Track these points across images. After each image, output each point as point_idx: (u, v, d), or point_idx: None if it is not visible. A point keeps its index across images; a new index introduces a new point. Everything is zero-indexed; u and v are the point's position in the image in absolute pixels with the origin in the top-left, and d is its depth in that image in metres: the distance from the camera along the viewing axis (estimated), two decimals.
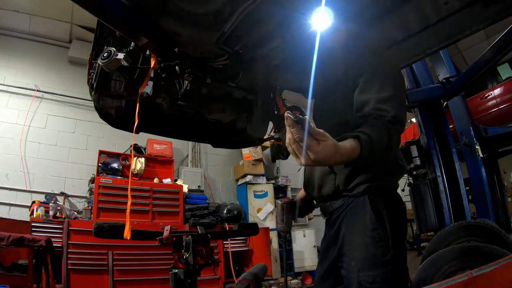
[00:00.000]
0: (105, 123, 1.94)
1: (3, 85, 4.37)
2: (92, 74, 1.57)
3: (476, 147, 2.83)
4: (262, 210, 5.37)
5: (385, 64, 1.11)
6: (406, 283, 1.01)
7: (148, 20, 1.24)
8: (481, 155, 2.81)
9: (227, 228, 4.24)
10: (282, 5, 1.21)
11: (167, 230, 1.38)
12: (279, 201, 1.41)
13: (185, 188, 4.59)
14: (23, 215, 3.84)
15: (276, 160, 6.43)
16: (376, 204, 1.01)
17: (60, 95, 4.71)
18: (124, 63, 1.36)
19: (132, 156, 4.74)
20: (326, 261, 1.18)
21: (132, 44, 1.41)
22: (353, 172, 1.05)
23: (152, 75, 1.54)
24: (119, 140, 4.95)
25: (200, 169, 5.53)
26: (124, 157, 4.57)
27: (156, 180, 4.50)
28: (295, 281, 5.00)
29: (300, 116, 0.71)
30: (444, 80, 2.92)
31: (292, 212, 1.36)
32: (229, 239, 4.28)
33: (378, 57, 1.14)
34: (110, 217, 3.65)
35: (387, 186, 1.06)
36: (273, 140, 2.19)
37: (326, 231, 1.22)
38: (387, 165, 1.04)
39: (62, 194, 4.32)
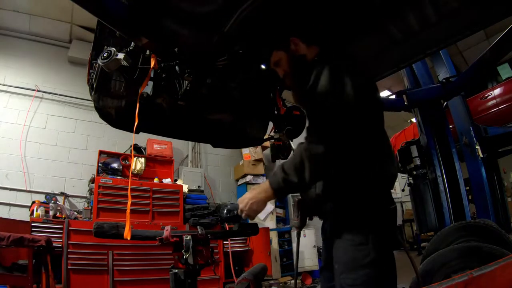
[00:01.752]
0: (105, 123, 1.94)
1: (3, 85, 4.37)
2: (92, 74, 1.57)
3: (476, 147, 2.82)
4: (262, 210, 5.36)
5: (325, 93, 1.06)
6: (390, 285, 1.04)
7: (148, 20, 1.24)
8: (481, 155, 2.80)
9: (227, 228, 4.23)
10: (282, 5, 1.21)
11: (167, 230, 1.38)
12: (295, 198, 1.43)
13: (185, 188, 4.59)
14: (23, 215, 3.84)
15: (276, 160, 6.41)
16: (356, 210, 1.05)
17: (60, 95, 4.71)
18: (124, 63, 1.36)
19: (132, 156, 4.73)
20: (325, 252, 1.27)
21: (132, 44, 1.41)
22: (330, 182, 1.12)
23: (152, 75, 1.54)
24: (119, 140, 4.94)
25: (200, 169, 5.53)
26: (124, 157, 4.57)
27: (156, 180, 4.50)
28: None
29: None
30: (444, 80, 2.92)
31: (306, 209, 1.37)
32: (229, 239, 4.28)
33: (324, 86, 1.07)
34: (110, 217, 3.64)
35: (369, 192, 1.08)
36: (273, 140, 2.20)
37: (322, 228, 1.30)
38: (359, 173, 1.08)
39: (62, 194, 4.32)
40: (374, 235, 1.01)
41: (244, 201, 1.13)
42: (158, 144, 4.94)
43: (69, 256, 3.27)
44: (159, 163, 4.92)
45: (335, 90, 1.00)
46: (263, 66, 1.48)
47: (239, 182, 5.77)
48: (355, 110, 1.00)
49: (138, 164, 4.49)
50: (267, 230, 4.85)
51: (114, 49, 1.36)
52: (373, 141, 1.10)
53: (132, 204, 1.49)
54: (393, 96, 3.19)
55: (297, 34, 1.21)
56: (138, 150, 4.77)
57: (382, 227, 1.04)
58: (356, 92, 0.99)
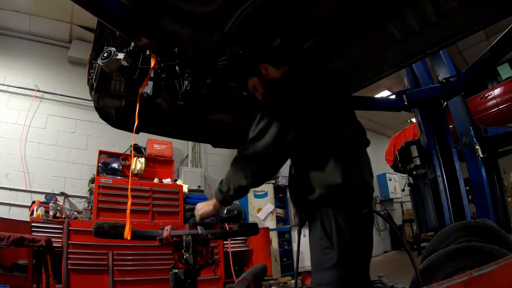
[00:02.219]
0: (105, 123, 1.95)
1: (3, 85, 4.37)
2: (92, 74, 1.57)
3: (476, 147, 2.82)
4: (262, 210, 5.37)
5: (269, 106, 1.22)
6: (355, 286, 1.10)
7: (148, 20, 1.24)
8: (481, 155, 2.80)
9: (227, 228, 4.23)
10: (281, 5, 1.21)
11: (167, 230, 1.38)
12: None
13: (185, 188, 4.59)
14: (23, 215, 3.84)
15: None
16: (325, 216, 1.13)
17: (60, 95, 4.71)
18: (124, 63, 1.36)
19: (132, 156, 4.74)
20: None
21: (132, 44, 1.41)
22: (302, 190, 1.22)
23: (152, 75, 1.54)
24: (119, 140, 4.94)
25: (200, 169, 5.53)
26: (124, 157, 4.57)
27: (156, 180, 4.50)
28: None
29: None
30: (444, 80, 2.92)
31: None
32: (229, 239, 4.28)
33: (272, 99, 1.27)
34: (110, 217, 3.65)
35: (339, 200, 1.14)
36: None
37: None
38: (324, 182, 1.15)
39: (62, 194, 4.32)
40: (339, 239, 1.09)
41: (197, 209, 1.39)
42: (158, 144, 4.94)
43: (69, 256, 3.27)
44: (159, 163, 4.92)
45: (255, 141, 1.15)
46: (244, 93, 1.53)
47: None
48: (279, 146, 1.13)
49: (138, 164, 4.50)
50: (267, 230, 4.85)
51: (114, 49, 1.36)
52: (320, 157, 1.16)
53: (132, 204, 1.49)
54: (393, 96, 3.18)
55: (266, 60, 1.32)
56: (138, 150, 4.77)
57: (349, 231, 1.10)
58: (279, 138, 1.12)
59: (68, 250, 3.28)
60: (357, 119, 1.37)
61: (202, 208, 1.36)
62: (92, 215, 3.77)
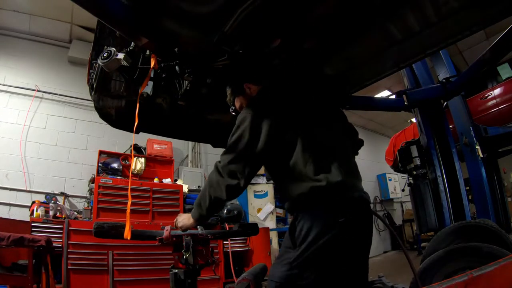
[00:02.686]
0: (105, 123, 1.95)
1: (3, 85, 4.37)
2: (92, 74, 1.57)
3: (476, 147, 2.82)
4: (262, 210, 5.37)
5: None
6: (304, 286, 1.14)
7: (148, 20, 1.24)
8: (481, 155, 2.80)
9: (227, 228, 4.23)
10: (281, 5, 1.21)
11: (167, 230, 1.38)
12: None
13: (185, 188, 4.58)
14: (23, 215, 3.84)
15: None
16: (296, 219, 1.22)
17: (60, 95, 4.71)
18: (124, 63, 1.37)
19: (132, 156, 4.73)
20: None
21: (132, 44, 1.41)
22: (282, 195, 1.37)
23: (152, 75, 1.54)
24: (119, 140, 4.94)
25: (200, 169, 5.53)
26: (124, 157, 4.57)
27: (156, 180, 4.50)
28: None
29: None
30: (444, 80, 2.92)
31: None
32: (229, 239, 4.27)
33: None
34: (110, 217, 3.64)
35: (308, 207, 1.18)
36: None
37: None
38: (292, 191, 1.22)
39: (62, 194, 4.32)
40: (302, 242, 1.15)
41: (177, 221, 1.42)
42: (158, 144, 4.94)
43: (69, 256, 3.26)
44: (159, 163, 4.92)
45: (233, 141, 1.27)
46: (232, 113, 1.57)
47: None
48: (253, 151, 1.21)
49: (138, 164, 4.50)
50: (267, 230, 4.84)
51: (114, 49, 1.36)
52: (289, 166, 1.21)
53: (132, 204, 1.49)
54: (393, 96, 3.18)
55: (249, 79, 1.44)
56: (138, 150, 4.77)
57: (316, 237, 1.12)
58: (252, 138, 1.20)
59: (68, 250, 3.28)
60: (344, 123, 1.46)
61: (182, 221, 1.39)
62: (92, 215, 3.77)
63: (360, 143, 1.55)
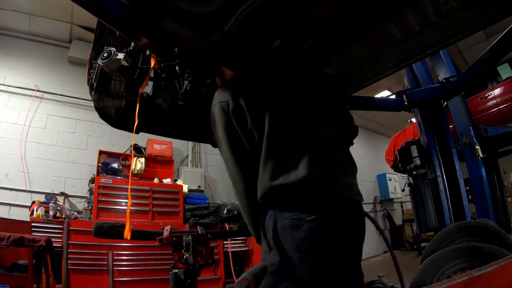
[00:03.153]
0: (105, 123, 1.94)
1: (3, 85, 4.37)
2: (92, 74, 1.57)
3: (476, 147, 2.82)
4: None
5: None
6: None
7: (148, 20, 1.24)
8: (481, 155, 2.80)
9: (227, 228, 4.23)
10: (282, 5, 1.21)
11: (167, 230, 1.38)
12: None
13: (185, 188, 4.59)
14: (23, 215, 3.84)
15: None
16: (267, 218, 1.12)
17: (60, 95, 4.71)
18: (124, 63, 1.37)
19: (132, 156, 4.74)
20: None
21: (132, 44, 1.41)
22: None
23: (152, 75, 1.54)
24: (119, 140, 4.94)
25: (200, 169, 5.53)
26: (124, 157, 4.57)
27: (156, 180, 4.51)
28: None
29: None
30: (444, 80, 2.92)
31: None
32: (229, 239, 4.28)
33: None
34: (110, 217, 3.65)
35: (278, 203, 1.09)
36: None
37: None
38: (264, 184, 1.12)
39: (62, 194, 4.32)
40: (275, 243, 1.07)
41: None
42: (158, 144, 4.94)
43: (69, 256, 3.27)
44: (159, 163, 4.92)
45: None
46: None
47: None
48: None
49: (138, 164, 4.50)
50: None
51: (114, 49, 1.36)
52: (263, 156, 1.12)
53: (132, 204, 1.49)
54: (393, 96, 3.18)
55: (224, 63, 1.36)
56: (138, 150, 4.77)
57: (287, 238, 1.04)
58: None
59: (68, 250, 3.28)
60: (330, 111, 1.33)
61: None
62: (92, 215, 3.77)
63: (354, 131, 1.42)
